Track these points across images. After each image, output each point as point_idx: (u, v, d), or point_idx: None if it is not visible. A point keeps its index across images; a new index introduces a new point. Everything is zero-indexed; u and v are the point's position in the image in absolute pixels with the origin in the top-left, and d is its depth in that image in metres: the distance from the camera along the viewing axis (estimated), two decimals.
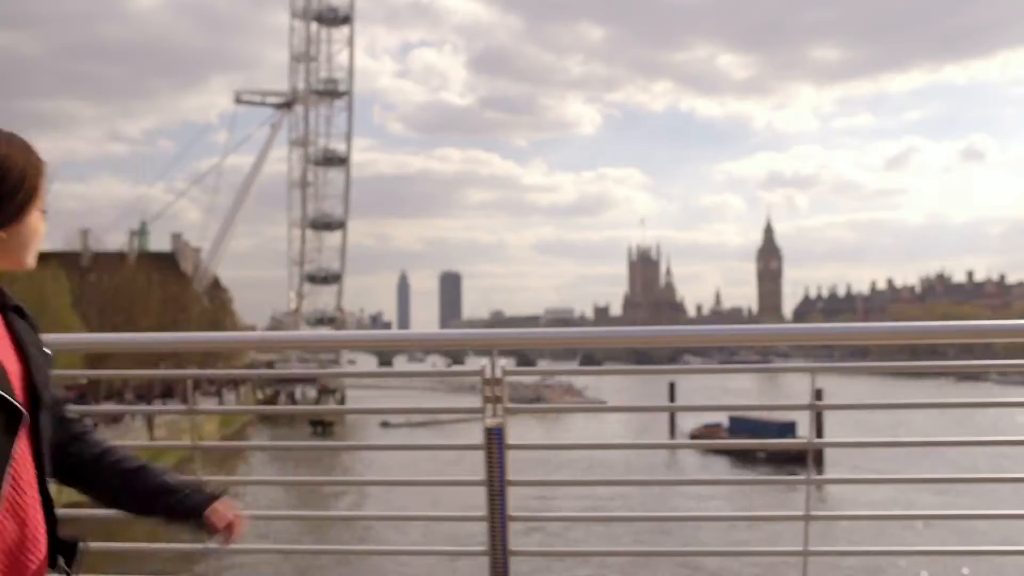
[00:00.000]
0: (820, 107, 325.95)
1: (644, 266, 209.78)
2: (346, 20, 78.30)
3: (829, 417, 31.94)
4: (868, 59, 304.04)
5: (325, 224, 78.77)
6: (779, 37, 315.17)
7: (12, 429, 1.52)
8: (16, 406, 1.52)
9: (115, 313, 37.29)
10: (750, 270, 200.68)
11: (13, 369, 1.57)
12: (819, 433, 33.20)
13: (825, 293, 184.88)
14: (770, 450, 30.80)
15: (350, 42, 78.80)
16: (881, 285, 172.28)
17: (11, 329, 1.63)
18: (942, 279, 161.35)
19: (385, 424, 43.29)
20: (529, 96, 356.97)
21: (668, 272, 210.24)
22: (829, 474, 29.99)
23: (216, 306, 63.03)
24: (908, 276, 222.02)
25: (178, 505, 1.77)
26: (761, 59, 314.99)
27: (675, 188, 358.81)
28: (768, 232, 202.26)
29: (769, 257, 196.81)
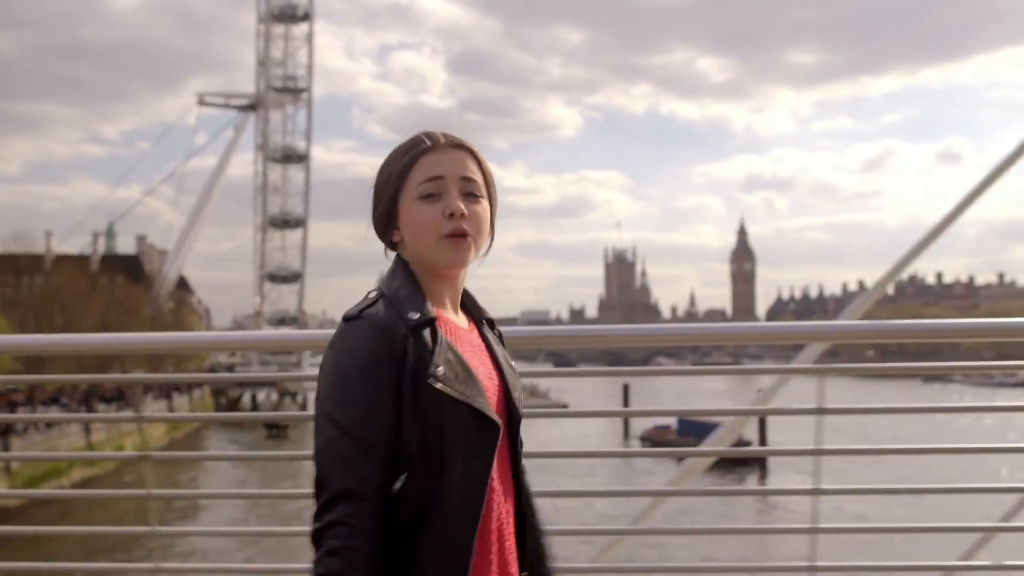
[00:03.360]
0: (798, 110, 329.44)
1: (620, 268, 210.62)
2: (306, 17, 78.74)
3: (784, 422, 32.00)
4: (845, 62, 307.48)
5: (284, 222, 78.77)
6: (757, 40, 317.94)
7: (492, 443, 1.53)
8: (494, 420, 1.53)
9: (55, 316, 36.75)
10: (727, 272, 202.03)
11: (492, 384, 1.59)
12: (763, 438, 33.73)
13: (798, 295, 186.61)
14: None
15: (309, 39, 79.17)
16: (853, 287, 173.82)
17: (487, 342, 1.65)
18: (913, 281, 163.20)
19: None
20: (509, 98, 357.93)
21: (643, 274, 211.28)
22: (773, 477, 30.33)
23: (179, 308, 62.50)
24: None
25: None
26: (739, 62, 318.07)
27: (655, 190, 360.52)
28: (742, 234, 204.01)
29: (743, 259, 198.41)
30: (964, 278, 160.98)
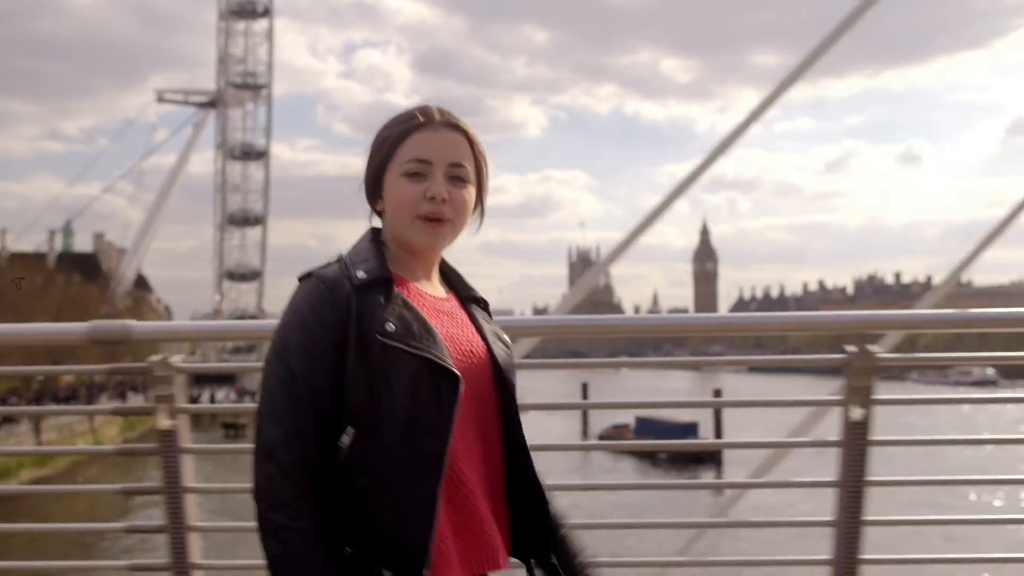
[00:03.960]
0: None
1: (584, 267, 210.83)
2: (266, 13, 78.07)
3: (727, 417, 32.31)
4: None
5: (244, 220, 77.85)
6: (720, 42, 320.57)
7: (451, 398, 1.50)
8: (454, 373, 1.51)
9: (4, 314, 35.97)
10: (690, 272, 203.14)
11: (475, 354, 1.58)
12: (718, 433, 33.81)
13: (760, 294, 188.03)
14: (671, 450, 31.22)
15: (269, 35, 78.43)
16: (814, 287, 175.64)
17: (472, 316, 1.66)
18: (872, 280, 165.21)
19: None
20: (475, 98, 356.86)
21: (607, 273, 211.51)
22: (729, 474, 30.31)
23: (136, 307, 61.49)
24: (845, 278, 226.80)
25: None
26: (703, 63, 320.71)
27: (620, 190, 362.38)
28: (704, 234, 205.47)
29: (705, 259, 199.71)
30: (922, 278, 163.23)
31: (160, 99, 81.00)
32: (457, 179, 1.60)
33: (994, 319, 2.96)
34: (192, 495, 2.92)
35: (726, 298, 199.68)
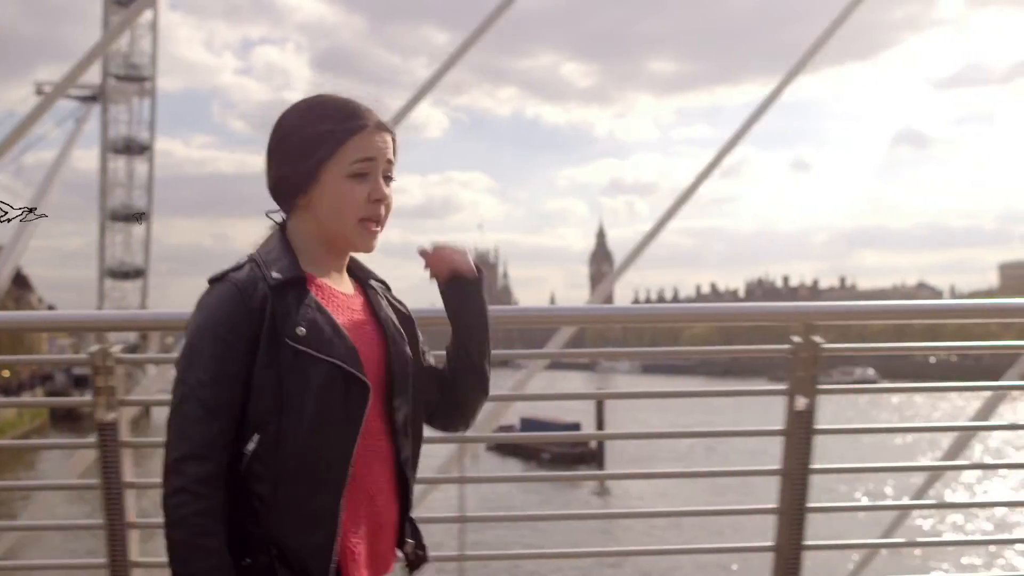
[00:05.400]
0: (659, 117, 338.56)
1: (483, 269, 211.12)
2: (150, 3, 75.85)
3: (609, 417, 33.06)
4: (703, 72, 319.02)
5: (126, 216, 75.21)
6: (619, 48, 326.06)
7: (360, 405, 1.49)
8: (363, 380, 1.49)
9: None
10: (587, 274, 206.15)
11: (373, 351, 1.55)
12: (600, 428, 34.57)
13: (655, 296, 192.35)
14: (555, 451, 31.90)
15: (153, 26, 75.78)
16: (706, 289, 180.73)
17: (372, 306, 1.63)
18: (762, 283, 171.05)
19: None
20: (375, 98, 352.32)
21: (505, 275, 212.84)
22: (611, 469, 31.13)
23: (15, 308, 58.63)
24: (738, 280, 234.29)
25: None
26: (602, 68, 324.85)
27: (520, 192, 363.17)
28: (600, 237, 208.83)
29: (601, 261, 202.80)
30: (809, 281, 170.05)
31: (39, 92, 77.25)
32: (388, 178, 1.60)
33: (939, 310, 3.11)
34: (132, 491, 2.81)
35: (621, 299, 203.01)
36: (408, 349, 1.62)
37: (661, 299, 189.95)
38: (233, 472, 1.45)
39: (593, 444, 31.48)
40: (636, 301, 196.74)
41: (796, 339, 2.71)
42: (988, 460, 3.41)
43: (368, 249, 1.61)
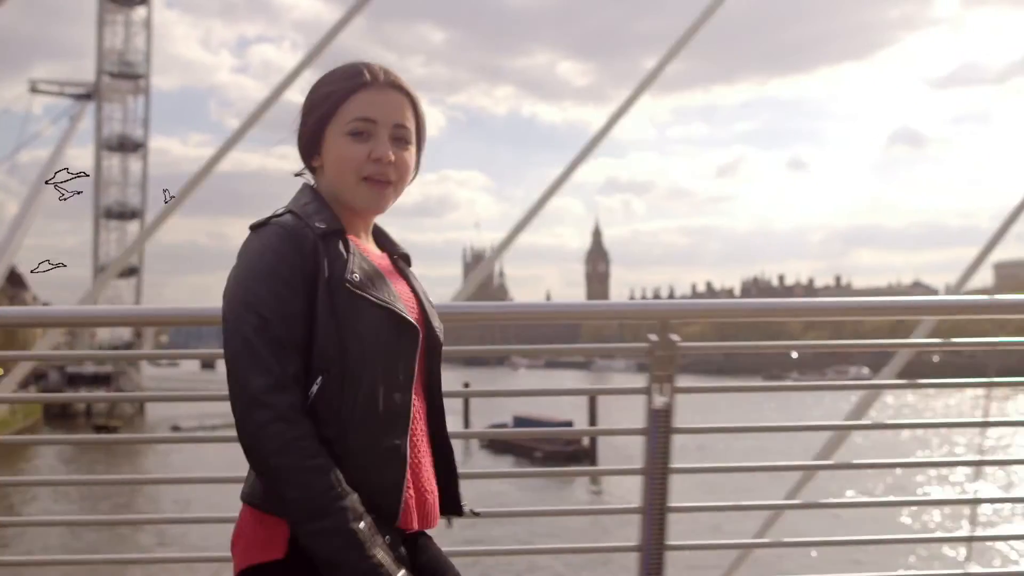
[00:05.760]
0: (656, 116, 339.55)
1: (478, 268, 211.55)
2: (143, 1, 75.39)
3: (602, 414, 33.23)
4: (699, 71, 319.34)
5: (120, 213, 75.13)
6: (615, 46, 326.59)
7: (413, 348, 1.51)
8: (414, 324, 1.51)
9: None
10: (583, 272, 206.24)
11: (412, 306, 1.56)
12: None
13: (650, 295, 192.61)
14: (547, 449, 32.17)
15: (147, 23, 75.73)
16: (701, 288, 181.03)
17: (403, 273, 1.64)
18: (757, 283, 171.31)
19: (176, 427, 41.47)
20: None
21: (501, 274, 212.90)
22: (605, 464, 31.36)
23: (10, 304, 58.38)
24: (734, 280, 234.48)
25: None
26: (599, 67, 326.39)
27: (517, 191, 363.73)
28: (596, 235, 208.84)
29: (597, 260, 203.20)
30: (804, 280, 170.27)
31: (33, 90, 76.93)
32: (400, 140, 1.58)
33: (791, 308, 3.10)
34: None
35: (617, 298, 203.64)
36: (439, 322, 1.64)
37: (656, 297, 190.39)
38: None
39: (586, 442, 31.56)
40: (632, 299, 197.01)
41: (653, 337, 2.69)
42: (858, 460, 3.44)
43: (375, 208, 1.59)
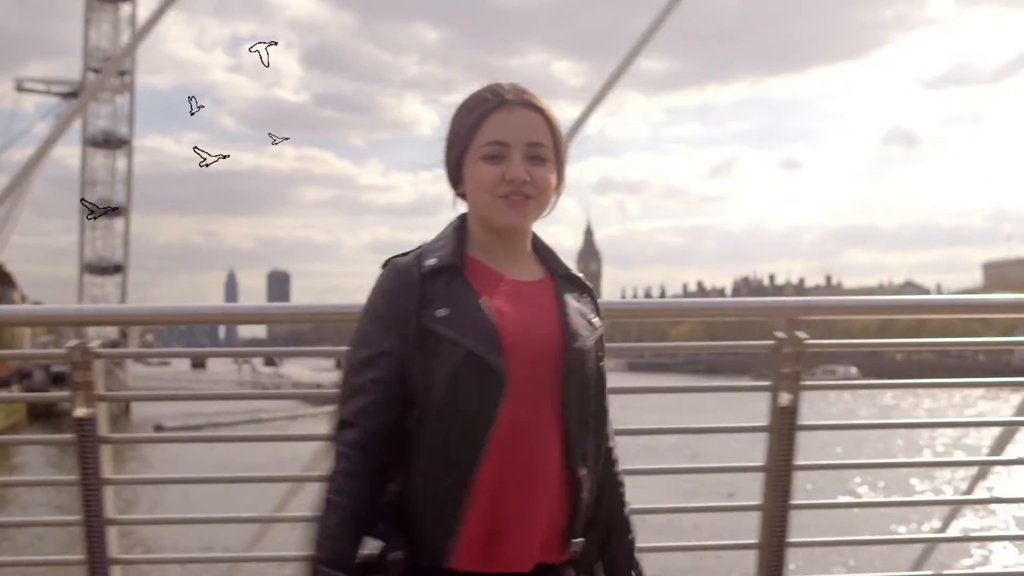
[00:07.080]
0: (650, 115, 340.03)
1: None
2: None
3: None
4: (693, 71, 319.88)
5: (104, 210, 74.32)
6: (609, 46, 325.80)
7: (494, 390, 1.50)
8: (495, 368, 1.50)
9: None
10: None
11: (542, 336, 1.56)
12: None
13: (642, 294, 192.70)
14: None
15: (132, 20, 73.94)
16: (693, 287, 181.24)
17: (559, 296, 1.63)
18: (748, 282, 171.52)
19: (159, 427, 41.20)
20: (366, 95, 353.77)
21: None
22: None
23: None
24: (726, 279, 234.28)
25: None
26: (593, 67, 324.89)
27: None
28: (588, 234, 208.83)
29: (589, 259, 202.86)
30: (795, 280, 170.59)
31: (19, 88, 76.18)
32: (536, 158, 1.60)
33: (923, 306, 3.08)
34: (110, 487, 2.79)
35: (609, 297, 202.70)
36: (592, 343, 1.63)
37: (648, 296, 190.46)
38: (391, 441, 1.54)
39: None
40: (623, 298, 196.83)
41: (780, 335, 2.69)
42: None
43: (517, 224, 1.62)
